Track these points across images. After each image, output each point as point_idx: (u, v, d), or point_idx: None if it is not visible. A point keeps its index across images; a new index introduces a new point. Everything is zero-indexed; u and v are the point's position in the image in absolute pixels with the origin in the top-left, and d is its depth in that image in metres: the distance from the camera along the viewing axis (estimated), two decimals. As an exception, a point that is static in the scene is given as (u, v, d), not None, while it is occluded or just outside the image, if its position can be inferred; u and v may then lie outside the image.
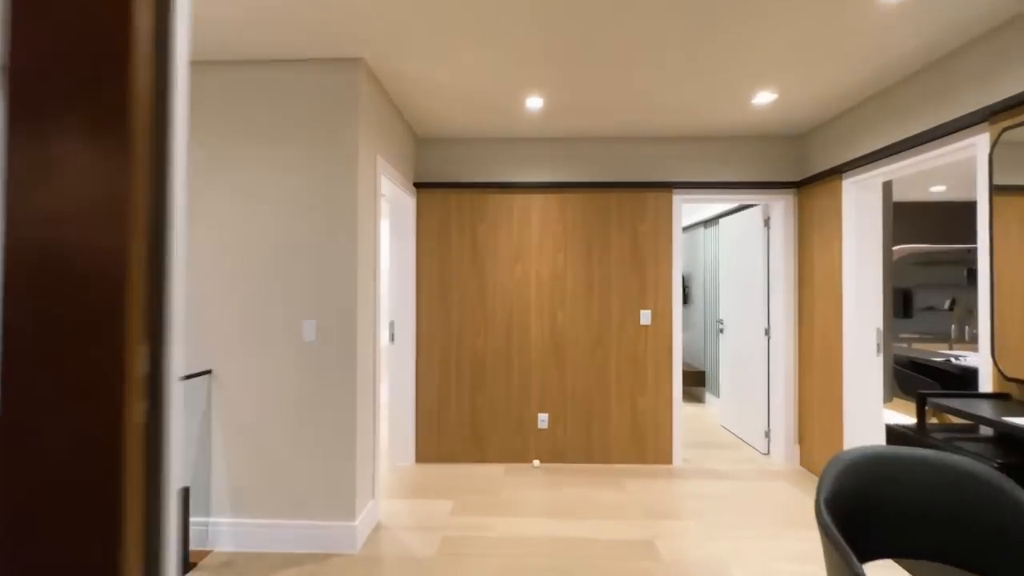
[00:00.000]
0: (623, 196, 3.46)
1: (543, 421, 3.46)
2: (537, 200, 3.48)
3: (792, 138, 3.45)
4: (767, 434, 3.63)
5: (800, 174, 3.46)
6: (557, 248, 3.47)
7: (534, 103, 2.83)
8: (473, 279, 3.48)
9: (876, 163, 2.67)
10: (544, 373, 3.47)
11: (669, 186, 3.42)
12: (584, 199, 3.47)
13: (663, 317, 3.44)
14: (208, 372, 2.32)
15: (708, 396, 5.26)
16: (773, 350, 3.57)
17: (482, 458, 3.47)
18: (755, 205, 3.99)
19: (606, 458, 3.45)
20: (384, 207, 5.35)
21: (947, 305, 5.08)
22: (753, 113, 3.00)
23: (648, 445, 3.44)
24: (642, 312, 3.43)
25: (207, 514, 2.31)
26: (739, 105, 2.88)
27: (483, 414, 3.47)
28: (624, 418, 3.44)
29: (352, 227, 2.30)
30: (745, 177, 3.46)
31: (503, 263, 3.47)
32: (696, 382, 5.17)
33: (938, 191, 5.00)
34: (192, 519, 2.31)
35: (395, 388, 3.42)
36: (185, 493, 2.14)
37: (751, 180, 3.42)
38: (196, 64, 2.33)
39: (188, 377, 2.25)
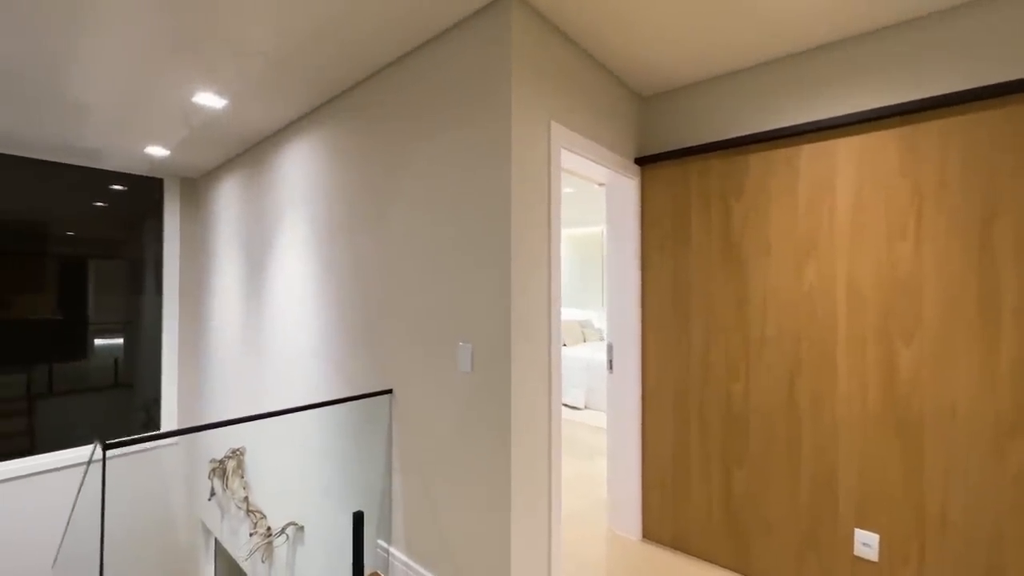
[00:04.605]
0: (1100, 96, 1.50)
1: (866, 545, 1.90)
2: (847, 148, 1.95)
3: None
4: None
5: None
6: (896, 229, 1.84)
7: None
8: (727, 287, 2.27)
9: None
10: (868, 457, 1.90)
11: None
12: (968, 127, 1.71)
13: None
14: (389, 392, 2.20)
15: None
16: None
17: (742, 567, 2.21)
18: None
19: (1044, 677, 1.58)
20: (586, 192, 4.52)
21: None
22: None
23: None
24: None
25: (388, 541, 2.19)
26: None
27: (744, 498, 2.22)
28: (1107, 607, 1.49)
29: (503, 223, 1.70)
30: None
31: (780, 261, 2.12)
32: None
33: None
34: (379, 541, 2.24)
35: (616, 431, 2.61)
36: (359, 518, 2.05)
37: None
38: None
39: (371, 395, 2.17)
